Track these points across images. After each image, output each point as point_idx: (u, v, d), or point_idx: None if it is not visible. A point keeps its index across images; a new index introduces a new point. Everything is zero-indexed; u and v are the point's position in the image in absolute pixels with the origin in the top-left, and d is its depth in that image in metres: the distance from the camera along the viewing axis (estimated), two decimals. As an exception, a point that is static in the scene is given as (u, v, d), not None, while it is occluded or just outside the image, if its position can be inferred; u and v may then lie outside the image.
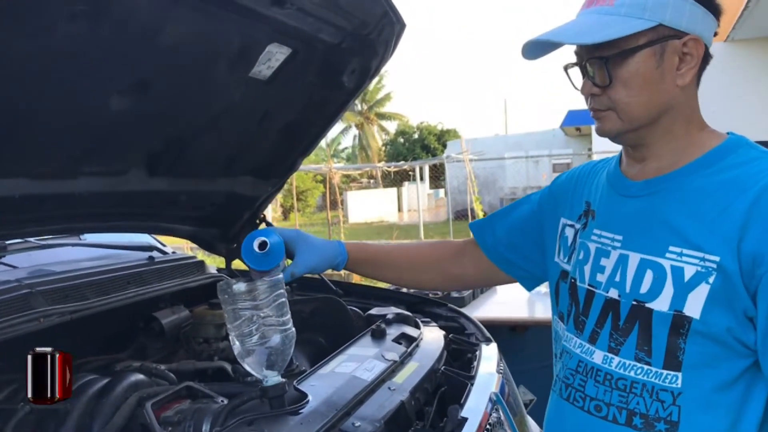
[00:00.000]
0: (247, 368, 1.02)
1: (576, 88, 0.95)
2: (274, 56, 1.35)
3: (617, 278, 0.92)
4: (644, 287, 0.88)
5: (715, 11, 0.88)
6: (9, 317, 1.20)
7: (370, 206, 19.80)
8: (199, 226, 1.85)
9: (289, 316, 1.04)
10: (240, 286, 1.00)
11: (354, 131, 32.19)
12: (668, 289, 0.86)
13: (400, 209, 21.93)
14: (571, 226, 1.05)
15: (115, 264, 1.66)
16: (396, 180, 20.57)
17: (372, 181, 24.56)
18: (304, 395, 1.04)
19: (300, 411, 1.00)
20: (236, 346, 1.01)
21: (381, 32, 1.45)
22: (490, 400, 1.26)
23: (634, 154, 0.96)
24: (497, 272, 1.20)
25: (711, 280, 0.83)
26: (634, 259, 0.90)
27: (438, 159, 17.84)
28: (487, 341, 1.60)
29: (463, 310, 1.85)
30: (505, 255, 1.18)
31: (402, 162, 19.76)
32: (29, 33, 0.92)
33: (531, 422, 1.67)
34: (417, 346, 1.41)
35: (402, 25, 1.49)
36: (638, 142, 0.93)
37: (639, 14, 0.85)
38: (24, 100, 1.03)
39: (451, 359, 1.50)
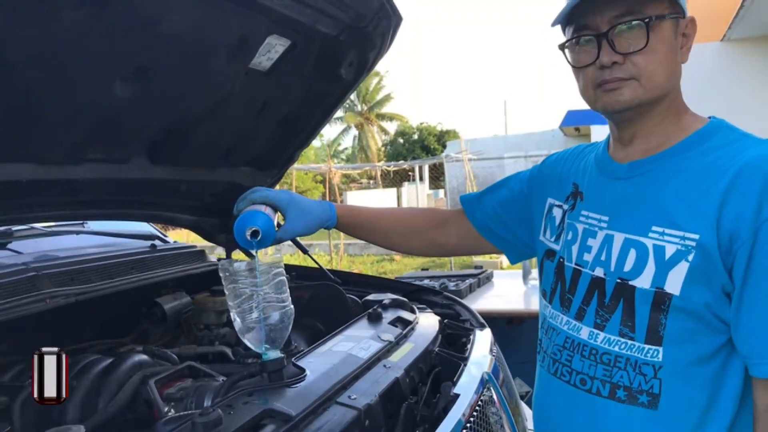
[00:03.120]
0: (248, 344, 1.05)
1: (572, 65, 0.95)
2: (273, 48, 1.38)
3: (603, 257, 0.96)
4: (628, 265, 0.92)
5: None
6: (16, 297, 1.23)
7: (369, 206, 19.71)
8: (199, 215, 1.89)
9: (288, 294, 1.08)
10: (240, 265, 1.04)
11: (354, 132, 32.18)
12: (650, 267, 0.90)
13: (399, 209, 21.85)
14: (559, 206, 1.09)
15: (118, 251, 1.69)
16: (395, 180, 20.57)
17: (372, 181, 24.55)
18: (302, 370, 1.07)
19: (298, 384, 1.04)
20: (237, 322, 1.05)
21: (378, 25, 1.48)
22: (482, 380, 1.29)
23: (621, 135, 0.99)
24: (482, 243, 1.27)
25: (690, 257, 0.86)
26: (619, 238, 0.94)
27: (437, 158, 17.82)
28: (481, 327, 1.63)
29: (459, 301, 1.87)
30: (493, 229, 1.24)
31: (402, 161, 19.77)
32: (35, 19, 0.95)
33: (524, 407, 1.70)
34: (412, 329, 1.45)
35: (398, 18, 1.52)
36: (639, 118, 0.95)
37: None
38: (30, 86, 1.06)
39: (446, 343, 1.52)
